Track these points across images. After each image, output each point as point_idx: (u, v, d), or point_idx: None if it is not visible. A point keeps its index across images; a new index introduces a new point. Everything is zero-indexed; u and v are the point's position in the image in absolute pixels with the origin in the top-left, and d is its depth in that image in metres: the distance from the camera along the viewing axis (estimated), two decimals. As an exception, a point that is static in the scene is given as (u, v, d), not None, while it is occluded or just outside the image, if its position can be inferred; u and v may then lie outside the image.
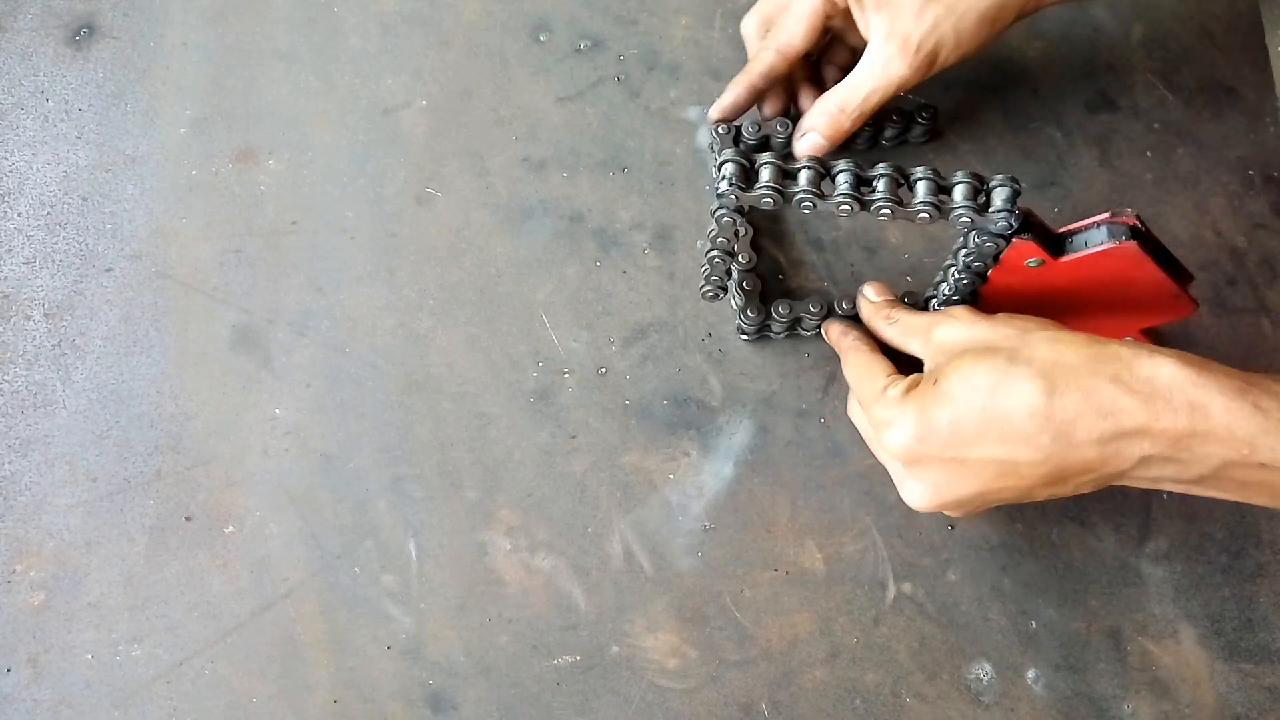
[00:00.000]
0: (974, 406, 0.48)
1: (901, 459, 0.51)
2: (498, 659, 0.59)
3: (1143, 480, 0.49)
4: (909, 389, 0.51)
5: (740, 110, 0.65)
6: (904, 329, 0.56)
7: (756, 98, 0.65)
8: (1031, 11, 0.61)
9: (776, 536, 0.61)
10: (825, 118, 0.62)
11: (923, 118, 0.68)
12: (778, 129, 0.66)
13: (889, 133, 0.68)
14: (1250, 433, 0.45)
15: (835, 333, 0.61)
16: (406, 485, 0.62)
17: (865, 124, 0.65)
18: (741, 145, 0.67)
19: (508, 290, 0.67)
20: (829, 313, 0.63)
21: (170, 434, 0.63)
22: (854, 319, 0.63)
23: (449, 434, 0.64)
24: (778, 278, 0.67)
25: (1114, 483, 0.50)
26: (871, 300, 0.60)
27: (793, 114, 0.67)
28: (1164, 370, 0.46)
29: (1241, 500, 0.49)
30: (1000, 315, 0.52)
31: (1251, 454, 0.45)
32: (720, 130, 0.66)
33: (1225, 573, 0.61)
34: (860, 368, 0.56)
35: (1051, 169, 0.70)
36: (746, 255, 0.65)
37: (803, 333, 0.65)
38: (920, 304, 0.62)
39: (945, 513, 0.54)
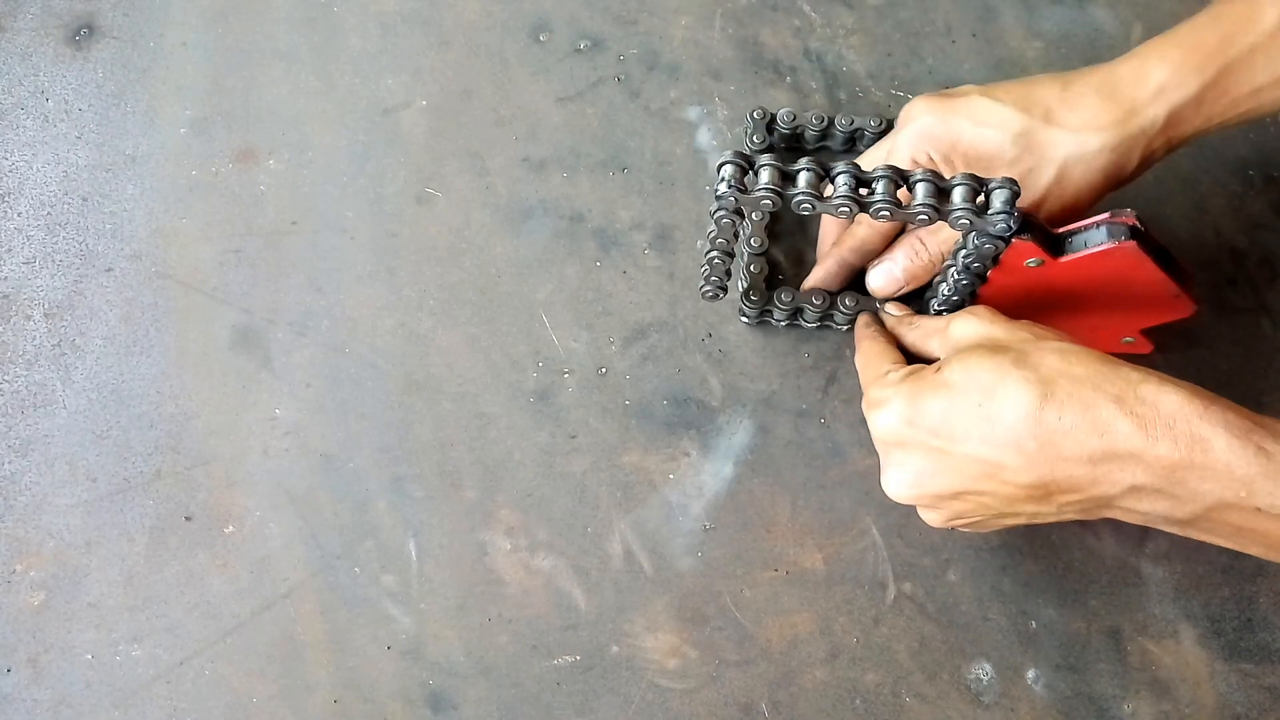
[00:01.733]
0: (970, 400, 0.47)
1: (887, 440, 0.51)
2: (498, 659, 0.59)
3: (1133, 514, 0.47)
4: (910, 374, 0.51)
5: (833, 284, 0.63)
6: (924, 331, 0.56)
7: (850, 273, 0.62)
8: (1149, 166, 0.56)
9: (776, 536, 0.61)
10: (910, 256, 0.60)
11: None
12: (812, 121, 0.67)
13: None
14: (1249, 474, 0.43)
15: (860, 323, 0.60)
16: (406, 485, 0.62)
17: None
18: (775, 134, 0.69)
19: (508, 290, 0.67)
20: (831, 305, 0.63)
21: (170, 434, 0.63)
22: (857, 316, 0.63)
23: (449, 434, 0.64)
24: (778, 278, 0.67)
25: (1103, 512, 0.48)
26: (894, 315, 0.60)
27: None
28: (1170, 398, 0.44)
29: (1236, 548, 0.47)
30: (1022, 321, 0.51)
31: (1249, 497, 0.43)
32: (755, 115, 0.68)
33: (1225, 573, 0.61)
34: (869, 354, 0.56)
35: (1051, 169, 0.70)
36: (759, 239, 0.65)
37: (804, 324, 0.65)
38: (920, 309, 0.62)
39: (924, 516, 0.53)
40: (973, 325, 0.52)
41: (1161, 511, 0.46)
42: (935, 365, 0.50)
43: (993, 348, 0.49)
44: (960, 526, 0.54)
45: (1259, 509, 0.43)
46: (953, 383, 0.48)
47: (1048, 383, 0.46)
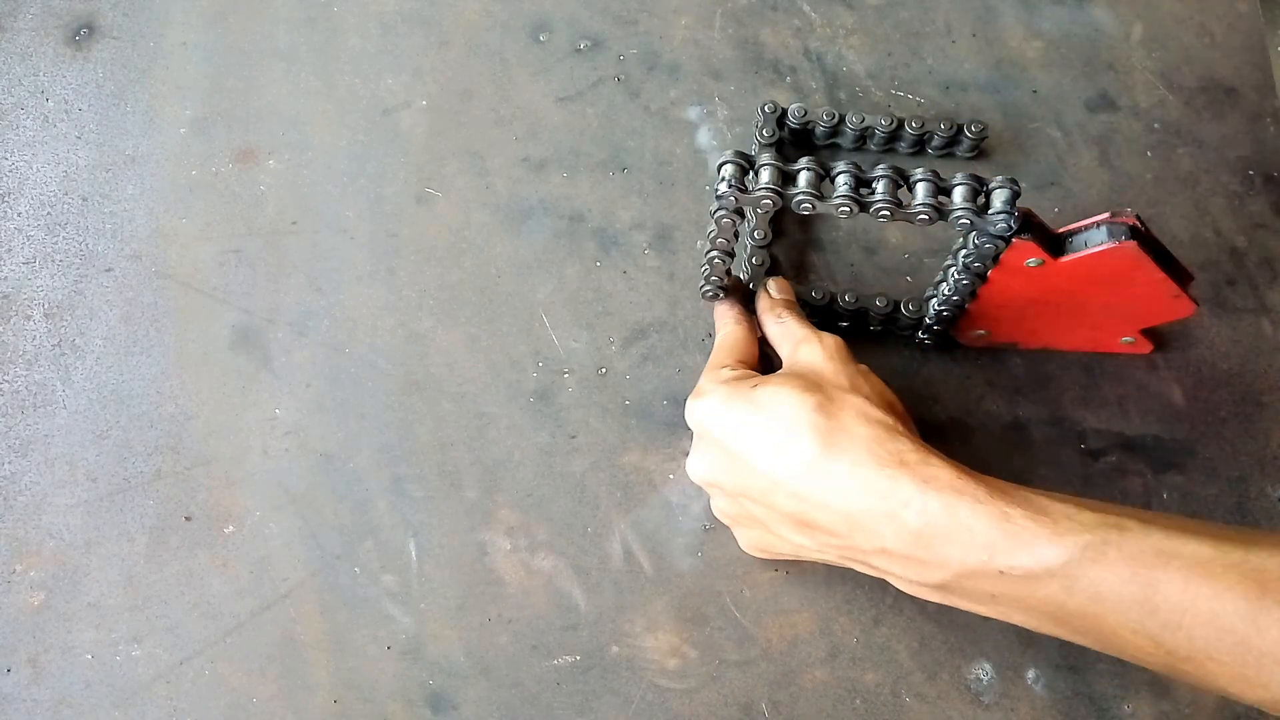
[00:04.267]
0: (768, 425, 0.50)
1: (695, 429, 0.55)
2: (498, 659, 0.59)
3: (892, 576, 0.50)
4: (736, 379, 0.54)
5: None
6: (784, 332, 0.58)
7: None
8: None
9: (776, 536, 0.61)
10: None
11: (971, 132, 0.67)
12: (823, 117, 0.68)
13: (936, 141, 0.68)
14: (991, 538, 0.45)
15: (724, 305, 0.62)
16: (406, 485, 0.62)
17: (910, 128, 0.67)
18: (786, 129, 0.69)
19: (508, 290, 0.67)
20: (831, 301, 0.63)
21: (170, 434, 0.63)
22: (857, 315, 0.63)
23: (449, 434, 0.64)
24: (779, 273, 0.67)
25: (862, 566, 0.51)
26: (770, 296, 0.61)
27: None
28: (930, 469, 0.47)
29: (999, 618, 0.49)
30: (860, 367, 0.54)
31: (990, 560, 0.45)
32: (766, 109, 0.68)
33: (1225, 573, 0.61)
34: (725, 341, 0.59)
35: (1051, 169, 0.70)
36: (763, 231, 0.65)
37: None
38: (922, 308, 0.62)
39: (713, 504, 0.58)
40: (815, 354, 0.54)
41: (914, 575, 0.48)
42: (756, 380, 0.53)
43: (808, 384, 0.51)
44: (738, 529, 0.58)
45: (1001, 571, 0.45)
46: (761, 403, 0.51)
47: (833, 433, 0.48)
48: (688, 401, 0.55)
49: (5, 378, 0.65)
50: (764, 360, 0.60)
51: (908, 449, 0.48)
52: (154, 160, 0.70)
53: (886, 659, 0.59)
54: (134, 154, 0.70)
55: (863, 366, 0.54)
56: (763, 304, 0.61)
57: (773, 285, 0.61)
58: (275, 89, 0.72)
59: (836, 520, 0.48)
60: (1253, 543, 0.42)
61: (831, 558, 0.52)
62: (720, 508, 0.57)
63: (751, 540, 0.57)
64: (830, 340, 0.55)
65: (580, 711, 0.58)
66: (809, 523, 0.50)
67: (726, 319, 0.61)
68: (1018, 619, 0.48)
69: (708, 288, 0.62)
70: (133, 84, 0.72)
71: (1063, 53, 0.73)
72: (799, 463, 0.49)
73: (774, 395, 0.51)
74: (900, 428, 0.49)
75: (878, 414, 0.50)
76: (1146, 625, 0.43)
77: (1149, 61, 0.73)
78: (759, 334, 0.60)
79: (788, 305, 0.60)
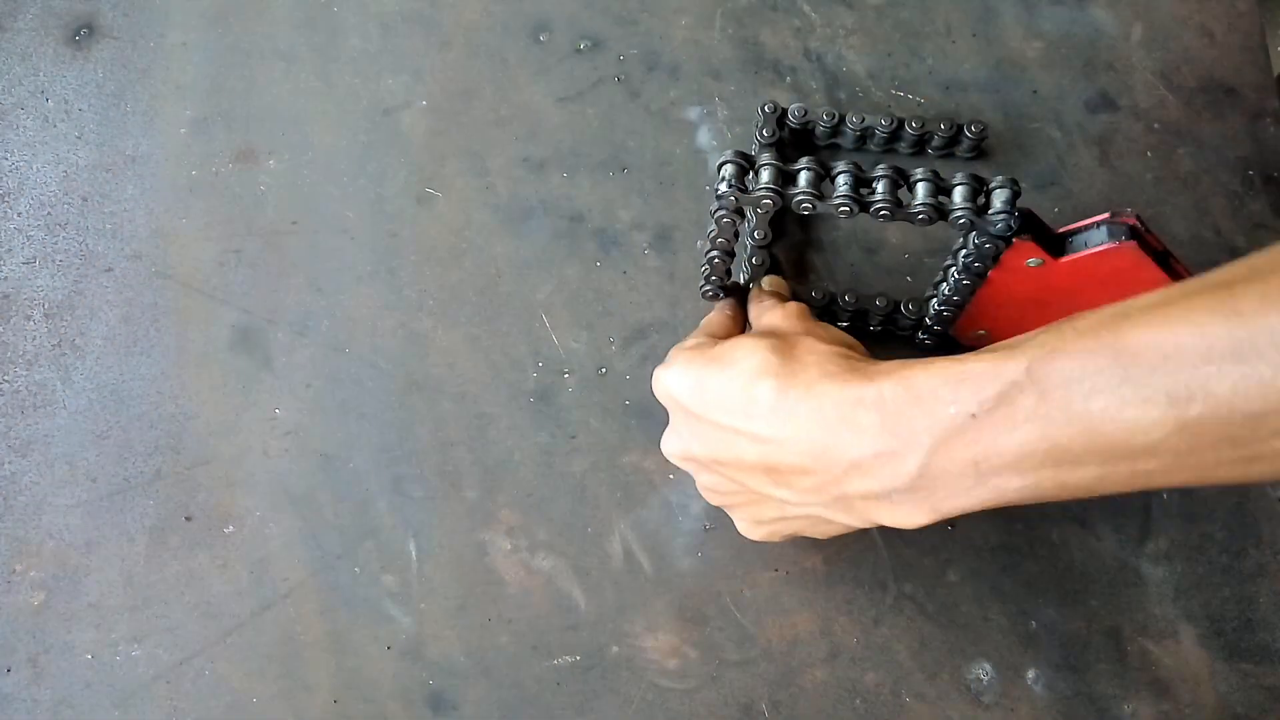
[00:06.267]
0: (726, 375, 0.50)
1: (661, 398, 0.54)
2: (498, 659, 0.59)
3: (874, 500, 0.47)
4: (698, 345, 0.54)
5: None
6: (757, 310, 0.59)
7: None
8: None
9: (776, 536, 0.61)
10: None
11: (971, 132, 0.67)
12: (823, 117, 0.67)
13: (936, 141, 0.68)
14: (950, 385, 0.43)
15: (721, 302, 0.63)
16: (406, 485, 0.62)
17: (910, 128, 0.67)
18: (786, 129, 0.69)
19: (508, 290, 0.67)
20: (831, 301, 0.63)
21: (170, 434, 0.63)
22: (857, 315, 0.63)
23: (449, 434, 0.64)
24: (780, 273, 0.67)
25: (843, 509, 0.48)
26: (759, 288, 0.61)
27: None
28: (881, 365, 0.47)
29: (996, 500, 0.45)
30: (819, 322, 0.54)
31: (959, 408, 0.42)
32: (766, 109, 0.68)
33: (1225, 573, 0.61)
34: (709, 319, 0.60)
35: (1051, 169, 0.70)
36: (763, 231, 0.65)
37: None
38: (923, 308, 0.62)
39: (699, 486, 0.56)
40: (775, 315, 0.55)
41: (890, 479, 0.45)
42: (718, 343, 0.53)
43: (763, 333, 0.52)
44: (732, 513, 0.56)
45: (974, 415, 0.42)
46: (720, 358, 0.51)
47: (787, 365, 0.48)
48: (654, 372, 0.54)
49: (5, 378, 0.65)
50: None
51: (857, 360, 0.48)
52: (154, 160, 0.70)
53: (886, 659, 0.59)
54: (134, 154, 0.70)
55: (822, 323, 0.55)
56: (751, 295, 0.61)
57: (766, 280, 0.62)
58: (275, 89, 0.72)
59: (801, 452, 0.47)
60: (1204, 275, 0.41)
61: (816, 509, 0.50)
62: (704, 484, 0.55)
63: (745, 519, 0.55)
64: (793, 305, 0.56)
65: (580, 711, 0.58)
66: (775, 466, 0.48)
67: (716, 306, 0.62)
68: (1013, 486, 0.43)
69: (708, 288, 0.62)
70: (133, 84, 0.72)
71: (1063, 53, 0.73)
72: (762, 405, 0.48)
73: (732, 347, 0.51)
74: (854, 354, 0.49)
75: (827, 346, 0.49)
76: (1137, 387, 0.39)
77: (1149, 61, 0.73)
78: (744, 327, 0.60)
79: (771, 294, 0.60)
